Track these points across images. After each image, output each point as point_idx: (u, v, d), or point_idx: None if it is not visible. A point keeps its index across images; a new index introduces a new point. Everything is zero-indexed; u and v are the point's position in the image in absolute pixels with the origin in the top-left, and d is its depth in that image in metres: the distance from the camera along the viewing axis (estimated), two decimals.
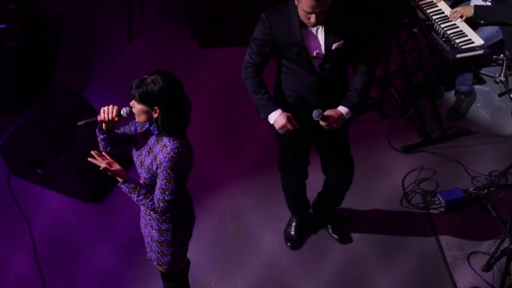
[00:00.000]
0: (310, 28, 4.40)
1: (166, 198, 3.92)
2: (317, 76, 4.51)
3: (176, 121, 3.89)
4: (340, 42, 4.42)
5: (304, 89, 4.57)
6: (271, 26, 4.42)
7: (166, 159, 3.86)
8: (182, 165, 3.90)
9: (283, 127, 4.46)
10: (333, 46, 4.42)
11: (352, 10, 4.48)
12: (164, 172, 3.88)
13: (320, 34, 4.42)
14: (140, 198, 3.96)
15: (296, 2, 4.31)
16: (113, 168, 3.96)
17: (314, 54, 4.46)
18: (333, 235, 5.45)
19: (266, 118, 4.52)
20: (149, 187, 3.99)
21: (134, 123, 4.19)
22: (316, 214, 5.52)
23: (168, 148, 3.88)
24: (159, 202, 3.94)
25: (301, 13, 4.30)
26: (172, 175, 3.88)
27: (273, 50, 4.52)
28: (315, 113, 4.36)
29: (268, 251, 5.40)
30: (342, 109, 4.53)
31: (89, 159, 3.98)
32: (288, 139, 4.84)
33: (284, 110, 4.59)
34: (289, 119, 4.45)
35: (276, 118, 4.48)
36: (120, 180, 3.97)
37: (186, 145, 3.93)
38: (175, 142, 3.89)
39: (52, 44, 7.24)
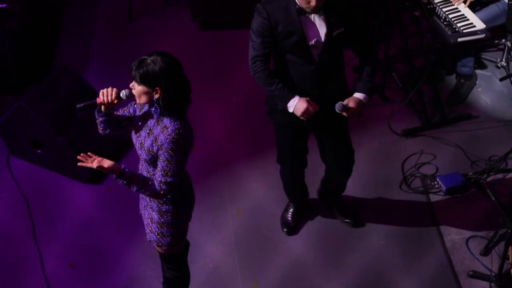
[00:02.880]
0: (308, 16, 4.36)
1: (168, 180, 3.91)
2: (316, 65, 4.48)
3: (177, 101, 3.89)
4: (340, 29, 4.40)
5: (304, 79, 4.53)
6: (269, 16, 4.36)
7: (167, 140, 3.86)
8: (184, 146, 3.90)
9: (305, 111, 4.42)
10: (334, 33, 4.38)
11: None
12: (165, 154, 3.87)
13: (318, 22, 4.38)
14: (140, 186, 3.95)
15: None
16: (106, 165, 3.94)
17: (313, 42, 4.42)
18: (345, 220, 5.45)
19: (285, 107, 4.47)
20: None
21: (132, 105, 4.18)
22: (323, 202, 5.53)
23: (169, 129, 3.88)
24: (160, 185, 3.93)
25: None
26: (173, 156, 3.87)
27: (273, 40, 4.46)
28: (338, 106, 4.39)
29: (267, 234, 5.41)
30: (359, 95, 4.52)
31: (79, 164, 3.99)
32: (287, 132, 4.84)
33: None
34: (309, 102, 4.42)
35: (296, 104, 4.44)
36: (115, 173, 3.93)
37: (187, 126, 3.93)
38: (176, 123, 3.89)
39: (53, 25, 7.22)
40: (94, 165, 3.94)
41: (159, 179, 3.92)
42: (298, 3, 4.32)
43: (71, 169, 5.73)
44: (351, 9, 4.43)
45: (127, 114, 4.19)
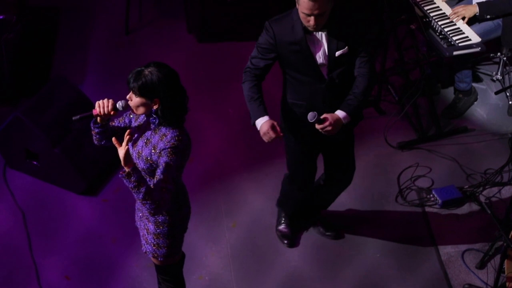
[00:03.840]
0: (314, 34, 4.36)
1: (169, 187, 3.88)
2: (326, 84, 4.48)
3: (176, 111, 3.90)
4: (344, 49, 4.38)
5: (315, 98, 4.53)
6: (274, 35, 4.38)
7: (167, 146, 3.86)
8: (183, 152, 3.91)
9: (265, 134, 4.37)
10: (336, 53, 4.38)
11: (357, 16, 4.44)
12: (165, 159, 3.86)
13: (324, 40, 4.38)
14: (147, 189, 3.81)
15: (297, 6, 4.27)
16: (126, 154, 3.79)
17: (321, 61, 4.42)
18: (326, 233, 5.44)
19: (254, 123, 4.45)
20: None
21: (128, 115, 4.19)
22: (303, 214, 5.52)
23: (168, 137, 3.89)
24: (162, 191, 3.88)
25: (301, 16, 4.26)
26: (174, 161, 3.87)
27: (279, 59, 4.48)
28: (310, 115, 4.26)
29: (263, 246, 5.40)
30: (339, 113, 4.41)
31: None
32: (297, 150, 4.85)
33: (294, 120, 4.61)
34: (272, 127, 4.35)
35: (261, 124, 4.39)
36: (130, 167, 3.76)
37: (185, 134, 3.95)
38: (174, 130, 3.91)
39: (50, 36, 7.22)
40: (124, 150, 3.76)
41: (160, 185, 3.87)
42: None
43: (67, 181, 5.73)
44: (358, 30, 4.41)
45: (122, 125, 4.19)
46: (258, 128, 4.42)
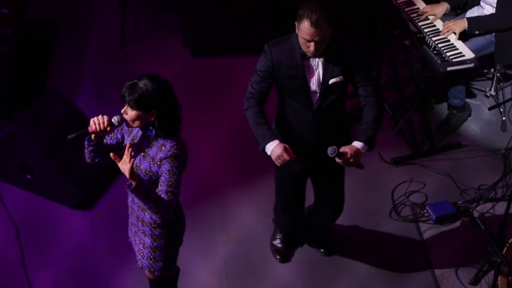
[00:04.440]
0: (311, 60, 4.37)
1: (174, 191, 3.89)
2: (313, 112, 4.48)
3: (172, 121, 3.92)
4: (339, 77, 4.38)
5: (300, 123, 4.54)
6: (272, 58, 4.37)
7: (168, 154, 3.89)
8: (183, 160, 3.94)
9: (279, 157, 4.34)
10: (330, 81, 4.38)
11: (354, 45, 4.44)
12: (167, 166, 3.88)
13: (320, 67, 4.38)
14: (155, 196, 3.82)
15: (297, 31, 4.26)
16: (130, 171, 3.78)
17: (314, 87, 4.43)
18: (320, 249, 5.44)
19: (264, 148, 4.42)
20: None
21: (120, 131, 4.19)
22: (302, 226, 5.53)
23: (167, 146, 3.91)
24: (168, 194, 3.87)
25: (301, 41, 4.25)
26: (175, 167, 3.89)
27: (275, 82, 4.47)
28: (330, 150, 4.24)
29: (256, 262, 5.39)
30: (357, 144, 4.42)
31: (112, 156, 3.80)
32: (287, 178, 4.86)
33: (284, 142, 4.56)
34: (285, 149, 4.33)
35: (273, 148, 4.37)
36: (136, 182, 3.76)
37: (182, 143, 3.97)
38: (172, 140, 3.93)
39: (45, 49, 7.23)
40: (129, 165, 3.74)
41: (165, 189, 3.87)
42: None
43: (61, 195, 5.72)
44: (355, 58, 4.41)
45: (114, 141, 4.19)
46: (269, 153, 4.39)
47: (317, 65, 4.37)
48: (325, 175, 4.89)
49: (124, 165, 3.74)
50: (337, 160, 4.33)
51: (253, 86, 4.47)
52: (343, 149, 4.34)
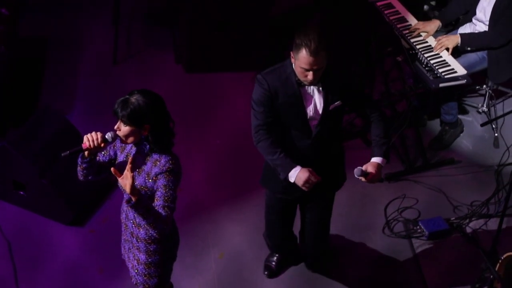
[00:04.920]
0: (306, 88, 4.36)
1: (171, 206, 3.90)
2: (312, 138, 4.48)
3: (165, 135, 3.93)
4: (338, 102, 4.39)
5: (299, 152, 4.52)
6: (269, 87, 4.34)
7: (163, 169, 3.89)
8: (177, 174, 3.95)
9: (307, 181, 4.34)
10: (331, 107, 4.38)
11: (347, 68, 4.47)
12: (163, 181, 3.89)
13: (317, 94, 4.38)
14: (154, 211, 3.83)
15: (292, 60, 4.25)
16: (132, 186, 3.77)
17: (311, 114, 4.42)
18: (313, 266, 5.44)
19: (287, 177, 4.41)
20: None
21: (112, 148, 4.18)
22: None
23: (162, 161, 3.92)
24: (165, 209, 3.88)
25: (297, 70, 4.23)
26: (171, 182, 3.90)
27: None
28: (356, 171, 4.30)
29: (250, 278, 5.39)
30: (377, 159, 4.46)
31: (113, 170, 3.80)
32: (278, 203, 4.86)
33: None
34: (311, 173, 4.35)
35: (297, 174, 4.36)
36: (136, 197, 3.76)
37: (176, 157, 3.98)
38: (166, 155, 3.94)
39: (38, 66, 7.23)
40: (131, 181, 3.73)
41: (162, 204, 3.87)
42: (297, 76, 4.31)
43: (54, 211, 5.71)
44: (349, 81, 4.43)
45: (107, 158, 4.19)
46: (293, 180, 4.39)
47: (313, 92, 4.37)
48: (315, 205, 4.89)
49: (126, 180, 3.73)
50: (363, 180, 4.38)
51: (257, 117, 4.42)
52: (366, 167, 4.40)
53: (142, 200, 3.76)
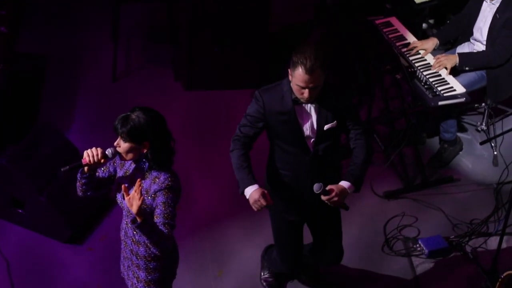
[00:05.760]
0: (303, 106, 4.37)
1: (171, 223, 3.89)
2: (311, 156, 4.48)
3: (164, 153, 3.92)
4: (333, 122, 4.39)
5: (299, 169, 4.53)
6: (264, 105, 4.38)
7: (162, 186, 3.89)
8: (177, 191, 3.94)
9: (256, 201, 4.32)
10: (325, 127, 4.39)
11: (345, 91, 4.47)
12: (162, 198, 3.88)
13: (314, 113, 4.39)
14: (158, 230, 3.81)
15: (290, 78, 4.27)
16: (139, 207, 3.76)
17: (308, 133, 4.43)
18: (311, 283, 5.42)
19: (243, 191, 4.40)
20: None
21: (112, 164, 4.18)
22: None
23: (161, 178, 3.92)
24: (166, 226, 3.86)
25: (294, 88, 4.25)
26: (171, 199, 3.89)
27: (267, 128, 4.48)
28: (316, 187, 4.26)
29: None
30: (344, 183, 4.41)
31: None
32: (282, 221, 4.83)
33: (278, 189, 4.61)
34: (263, 195, 4.31)
35: (251, 192, 4.35)
36: (141, 218, 3.75)
37: (176, 175, 3.97)
38: (165, 172, 3.94)
39: (37, 83, 7.23)
40: (139, 202, 3.72)
41: (162, 221, 3.86)
42: (294, 93, 4.32)
43: (52, 229, 5.69)
44: (347, 103, 4.44)
45: (107, 175, 4.18)
46: (247, 197, 4.38)
47: (310, 110, 4.38)
48: (323, 221, 4.86)
49: (134, 201, 3.72)
50: (323, 197, 4.33)
51: (240, 129, 4.47)
52: (330, 187, 4.35)
53: (147, 220, 3.76)
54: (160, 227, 3.84)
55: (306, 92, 4.22)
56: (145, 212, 3.77)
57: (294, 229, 4.90)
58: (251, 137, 4.47)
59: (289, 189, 4.60)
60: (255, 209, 4.36)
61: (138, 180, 3.82)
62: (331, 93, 4.36)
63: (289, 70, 4.26)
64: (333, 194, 4.33)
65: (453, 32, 6.32)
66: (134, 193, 3.72)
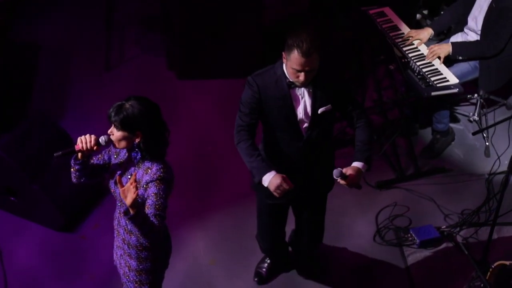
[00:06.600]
0: (298, 90, 4.35)
1: (161, 214, 3.87)
2: (303, 141, 4.47)
3: (157, 144, 3.92)
4: (328, 106, 4.38)
5: (291, 154, 4.52)
6: (259, 89, 4.34)
7: (154, 177, 3.88)
8: (169, 183, 3.93)
9: (278, 187, 4.29)
10: (320, 110, 4.37)
11: (339, 72, 4.45)
12: (154, 189, 3.87)
13: (307, 96, 4.36)
14: (149, 222, 3.81)
15: (284, 61, 4.26)
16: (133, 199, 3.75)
17: (301, 117, 4.41)
18: (300, 275, 5.44)
19: (260, 180, 4.37)
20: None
21: (107, 152, 4.18)
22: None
23: (153, 169, 3.91)
24: (156, 218, 3.85)
25: (289, 71, 4.24)
26: (162, 190, 3.88)
27: (261, 114, 4.45)
28: (335, 173, 4.24)
29: (241, 285, 5.38)
30: (357, 164, 4.40)
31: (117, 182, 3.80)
32: (270, 207, 4.84)
33: None
34: (284, 179, 4.30)
35: (271, 179, 4.32)
36: (135, 210, 3.73)
37: (168, 166, 3.96)
38: (158, 163, 3.93)
39: (30, 72, 7.22)
40: (134, 195, 3.71)
41: (153, 212, 3.85)
42: (288, 77, 4.31)
43: (45, 217, 5.70)
44: (341, 86, 4.43)
45: (101, 162, 4.18)
46: (266, 184, 4.35)
47: (303, 94, 4.36)
48: (308, 205, 4.89)
49: (128, 193, 3.70)
50: (340, 181, 4.32)
51: (242, 118, 4.42)
52: (346, 170, 4.33)
53: (140, 212, 3.75)
54: (151, 219, 3.84)
55: (301, 76, 4.20)
56: (138, 204, 3.76)
57: (280, 212, 4.92)
58: (254, 125, 4.43)
59: (281, 173, 4.58)
60: (277, 195, 4.34)
61: (134, 173, 3.82)
62: (326, 76, 4.34)
63: (283, 53, 4.24)
64: (353, 176, 4.33)
65: (448, 20, 6.33)
66: (129, 185, 3.71)
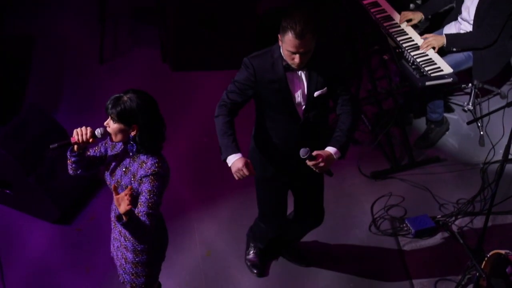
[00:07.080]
0: (294, 73, 4.35)
1: (153, 213, 3.86)
2: (300, 124, 4.48)
3: (153, 138, 3.91)
4: (323, 89, 4.38)
5: (288, 137, 4.53)
6: (255, 72, 4.35)
7: (148, 173, 3.86)
8: (164, 178, 3.91)
9: (238, 170, 4.29)
10: (315, 93, 4.37)
11: (335, 56, 4.45)
12: (147, 185, 3.86)
13: (304, 79, 4.37)
14: (142, 226, 3.82)
15: (280, 43, 4.25)
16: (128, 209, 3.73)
17: (299, 100, 4.41)
18: (296, 261, 5.47)
19: (226, 159, 4.37)
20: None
21: (104, 144, 4.18)
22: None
23: (148, 164, 3.89)
24: (148, 218, 3.85)
25: (285, 53, 4.24)
26: (156, 187, 3.86)
27: (255, 96, 4.45)
28: (302, 152, 4.22)
29: (238, 276, 5.39)
30: (330, 149, 4.39)
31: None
32: (267, 188, 4.85)
33: (266, 155, 4.61)
34: (246, 164, 4.28)
35: (234, 161, 4.31)
36: (128, 216, 3.72)
37: (164, 160, 3.96)
38: (153, 157, 3.92)
39: (23, 64, 7.20)
40: (127, 207, 3.68)
41: (145, 210, 3.84)
42: (285, 60, 4.31)
43: (40, 210, 5.69)
44: (337, 71, 4.43)
45: (98, 154, 4.18)
46: (230, 165, 4.35)
47: (300, 76, 4.37)
48: (307, 187, 4.89)
49: (122, 202, 3.68)
50: (308, 163, 4.30)
51: (228, 96, 4.43)
52: (316, 152, 4.32)
53: (132, 219, 3.73)
54: (143, 217, 3.82)
55: (296, 58, 4.20)
56: (132, 212, 3.73)
57: (280, 194, 4.92)
58: (238, 104, 4.43)
59: (278, 156, 4.59)
60: (236, 178, 4.33)
61: (130, 186, 3.79)
62: (322, 59, 4.35)
63: (279, 35, 4.24)
64: (320, 159, 4.31)
65: (440, 3, 6.34)
66: (123, 195, 3.69)
